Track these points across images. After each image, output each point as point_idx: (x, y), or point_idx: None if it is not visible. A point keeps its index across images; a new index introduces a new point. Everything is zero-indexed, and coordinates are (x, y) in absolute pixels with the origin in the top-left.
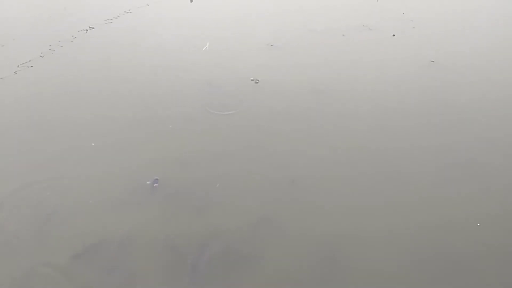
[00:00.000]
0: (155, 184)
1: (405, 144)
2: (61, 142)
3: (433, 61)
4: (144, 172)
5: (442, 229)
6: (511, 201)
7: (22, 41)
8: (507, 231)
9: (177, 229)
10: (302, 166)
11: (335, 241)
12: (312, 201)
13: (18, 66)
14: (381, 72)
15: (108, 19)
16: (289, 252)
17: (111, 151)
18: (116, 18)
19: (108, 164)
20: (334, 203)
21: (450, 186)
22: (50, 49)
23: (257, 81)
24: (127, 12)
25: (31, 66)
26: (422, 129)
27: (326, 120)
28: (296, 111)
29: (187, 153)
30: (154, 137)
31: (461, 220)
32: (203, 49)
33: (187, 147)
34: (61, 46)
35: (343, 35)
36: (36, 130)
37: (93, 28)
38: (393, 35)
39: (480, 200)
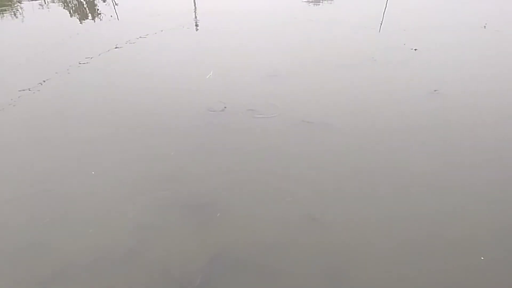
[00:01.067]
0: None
1: (410, 168)
2: (61, 165)
3: (436, 91)
4: (140, 195)
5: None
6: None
7: (26, 66)
8: None
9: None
10: (308, 198)
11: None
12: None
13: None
14: (385, 103)
15: (111, 48)
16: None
17: (111, 171)
18: (120, 47)
19: (107, 184)
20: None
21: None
22: (53, 75)
23: (259, 114)
24: (130, 43)
25: (38, 90)
26: (428, 150)
27: (327, 149)
28: (295, 140)
29: (188, 180)
30: (153, 162)
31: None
32: (207, 77)
33: (190, 173)
34: (59, 75)
35: (346, 66)
36: (37, 150)
37: (99, 55)
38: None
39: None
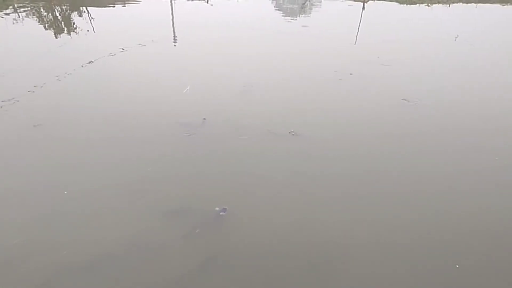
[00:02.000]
0: (221, 213)
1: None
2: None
3: (406, 100)
4: (115, 218)
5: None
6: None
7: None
8: None
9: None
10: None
11: None
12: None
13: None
14: (356, 115)
15: (84, 64)
16: None
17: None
18: (94, 62)
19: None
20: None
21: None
22: (27, 91)
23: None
24: (106, 57)
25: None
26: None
27: (300, 161)
28: (269, 153)
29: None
30: (130, 183)
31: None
32: (184, 91)
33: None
34: (33, 92)
35: (324, 79)
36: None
37: (74, 70)
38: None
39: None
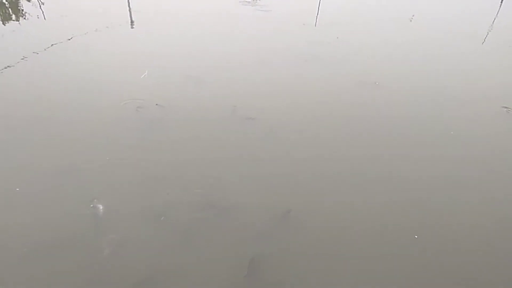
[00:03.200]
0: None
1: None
2: None
3: (365, 80)
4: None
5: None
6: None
7: None
8: None
9: None
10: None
11: None
12: None
13: None
14: (319, 97)
15: (36, 51)
16: None
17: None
18: (47, 48)
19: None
20: None
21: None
22: None
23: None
24: (57, 44)
25: None
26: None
27: (261, 145)
28: (226, 138)
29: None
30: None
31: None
32: (142, 77)
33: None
34: None
35: (285, 61)
36: None
37: (22, 58)
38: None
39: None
